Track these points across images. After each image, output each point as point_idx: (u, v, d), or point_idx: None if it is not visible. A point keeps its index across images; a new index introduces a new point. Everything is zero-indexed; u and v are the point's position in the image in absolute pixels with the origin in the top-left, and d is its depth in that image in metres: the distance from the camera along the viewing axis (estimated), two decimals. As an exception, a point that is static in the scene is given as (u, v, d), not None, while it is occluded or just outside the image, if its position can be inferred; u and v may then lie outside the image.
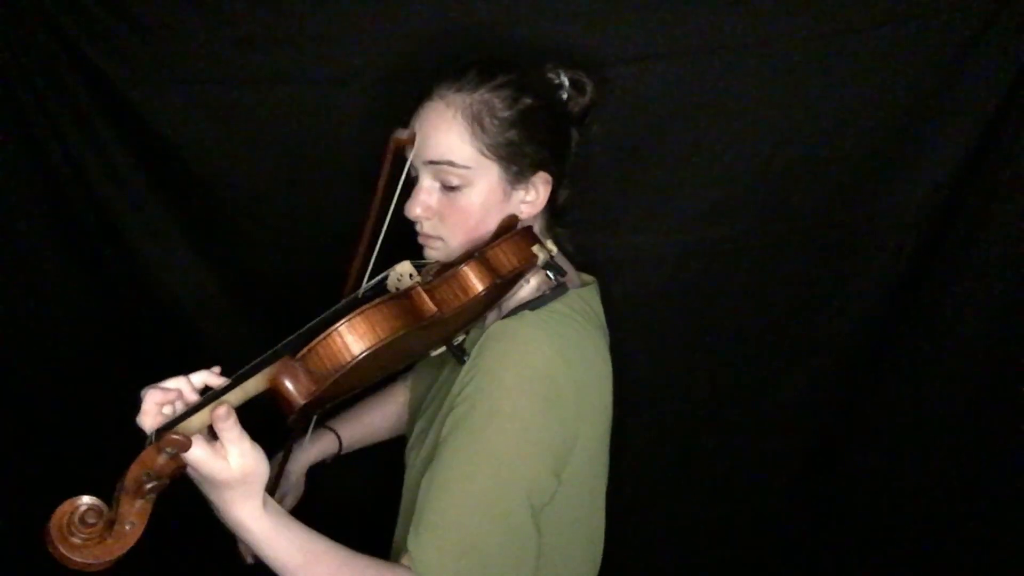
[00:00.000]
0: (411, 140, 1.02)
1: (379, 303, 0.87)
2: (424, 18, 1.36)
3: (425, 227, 1.06)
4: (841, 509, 1.65)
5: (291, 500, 1.29)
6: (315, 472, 1.35)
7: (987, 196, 1.37)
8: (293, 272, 1.57)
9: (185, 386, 0.88)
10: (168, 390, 0.86)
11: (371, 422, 1.39)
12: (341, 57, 1.39)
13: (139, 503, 0.77)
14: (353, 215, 1.50)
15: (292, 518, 0.88)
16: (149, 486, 0.77)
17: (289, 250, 1.56)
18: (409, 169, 1.06)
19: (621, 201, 1.47)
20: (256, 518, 0.84)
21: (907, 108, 1.37)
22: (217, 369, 0.91)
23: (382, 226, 1.03)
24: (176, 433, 0.78)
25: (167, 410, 0.86)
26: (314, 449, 1.33)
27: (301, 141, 1.46)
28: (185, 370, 1.59)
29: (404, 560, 0.91)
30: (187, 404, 0.87)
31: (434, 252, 1.08)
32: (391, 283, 1.05)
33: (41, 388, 1.54)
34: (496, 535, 0.92)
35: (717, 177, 1.45)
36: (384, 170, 1.00)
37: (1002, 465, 1.49)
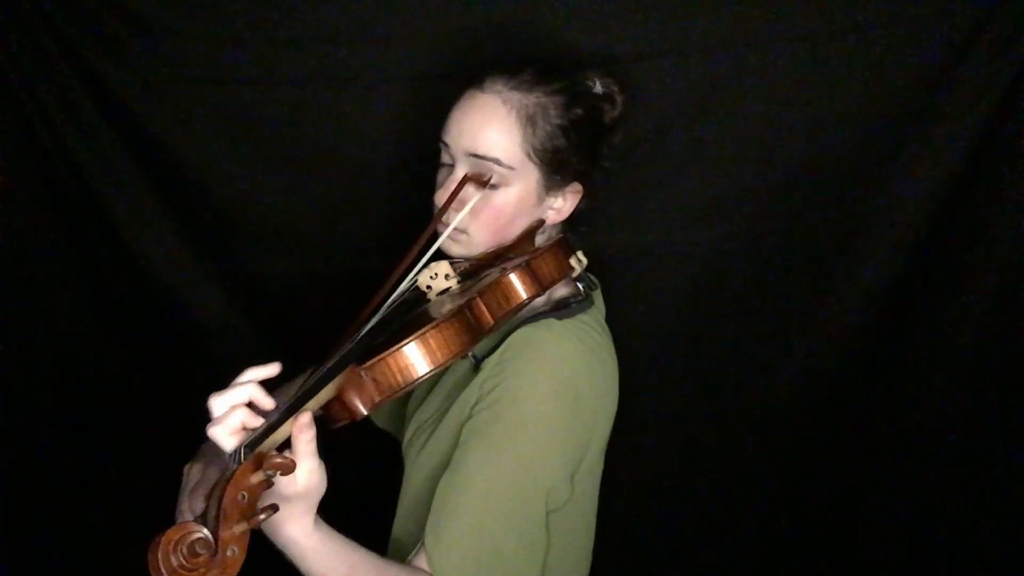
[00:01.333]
0: (485, 184, 1.01)
1: (451, 317, 0.86)
2: (425, 18, 1.36)
3: (452, 218, 1.05)
4: (841, 509, 1.66)
5: None
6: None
7: (987, 195, 1.38)
8: (293, 272, 1.56)
9: (255, 392, 0.85)
10: (245, 406, 0.84)
11: None
12: (342, 57, 1.38)
13: (241, 527, 0.73)
14: (353, 216, 1.52)
15: (338, 534, 0.87)
16: (262, 516, 0.73)
17: (289, 251, 1.55)
18: (443, 155, 1.06)
19: (621, 200, 1.47)
20: (308, 534, 0.83)
21: (906, 108, 1.37)
22: (275, 367, 0.88)
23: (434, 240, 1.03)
24: (279, 456, 0.76)
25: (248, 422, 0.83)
26: None
27: (302, 142, 1.45)
28: (185, 370, 1.60)
29: (420, 560, 0.92)
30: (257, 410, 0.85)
31: (455, 246, 1.07)
32: (422, 281, 1.05)
33: (41, 388, 1.54)
34: (515, 539, 0.93)
35: (717, 176, 1.45)
36: (452, 198, 1.01)
37: (1001, 463, 1.50)
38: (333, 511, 0.90)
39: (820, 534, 1.69)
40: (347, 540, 0.88)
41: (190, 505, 1.10)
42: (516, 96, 1.00)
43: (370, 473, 1.35)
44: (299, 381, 1.01)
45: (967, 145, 1.36)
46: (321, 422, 0.86)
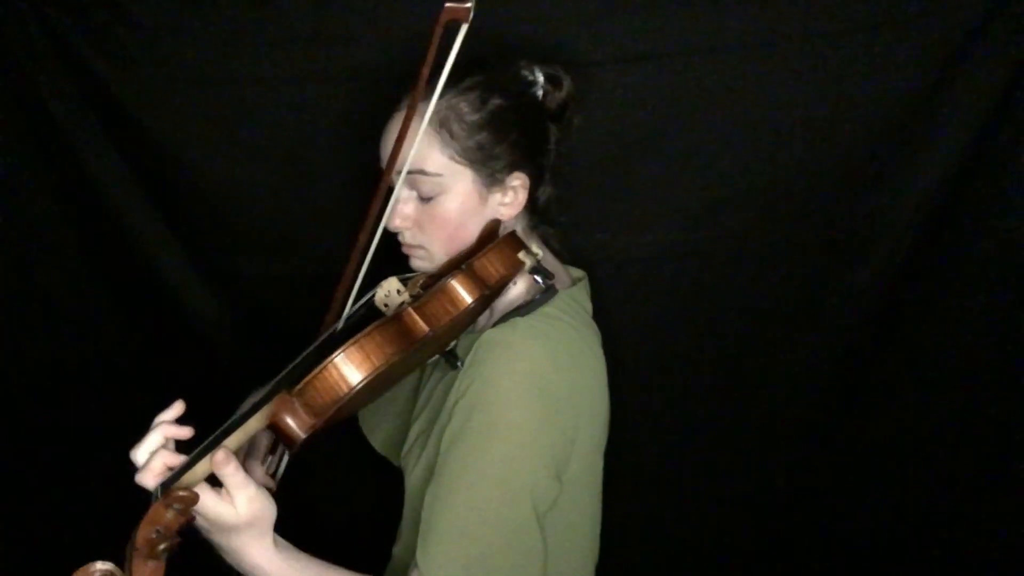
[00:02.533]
0: (467, 15, 0.93)
1: (372, 331, 0.86)
2: (425, 17, 1.36)
3: (406, 237, 1.06)
4: (840, 509, 1.66)
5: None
6: (313, 477, 1.34)
7: (985, 195, 1.37)
8: (291, 271, 1.57)
9: (170, 430, 0.89)
10: (163, 448, 0.87)
11: None
12: (334, 57, 1.39)
13: (152, 564, 0.75)
14: (347, 218, 1.51)
15: (300, 551, 0.88)
16: (162, 547, 0.76)
17: (288, 250, 1.56)
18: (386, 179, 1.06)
19: (619, 201, 1.47)
20: (269, 558, 0.84)
21: (905, 108, 1.37)
22: (179, 405, 0.91)
23: (374, 237, 1.02)
24: (182, 489, 0.78)
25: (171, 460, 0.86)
26: None
27: (301, 141, 1.46)
28: (184, 369, 1.60)
29: (413, 574, 0.92)
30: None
31: (419, 262, 1.08)
32: (379, 300, 1.05)
33: (42, 389, 1.54)
34: (504, 545, 0.93)
35: (715, 176, 1.44)
36: (432, 49, 0.94)
37: (1000, 463, 1.50)
38: (341, 526, 0.90)
39: (820, 533, 1.69)
40: (316, 560, 0.88)
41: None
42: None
43: (377, 487, 1.35)
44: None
45: (967, 145, 1.36)
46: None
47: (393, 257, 1.08)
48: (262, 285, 1.58)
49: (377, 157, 1.05)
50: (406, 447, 1.10)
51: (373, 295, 1.06)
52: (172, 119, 1.44)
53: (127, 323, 1.60)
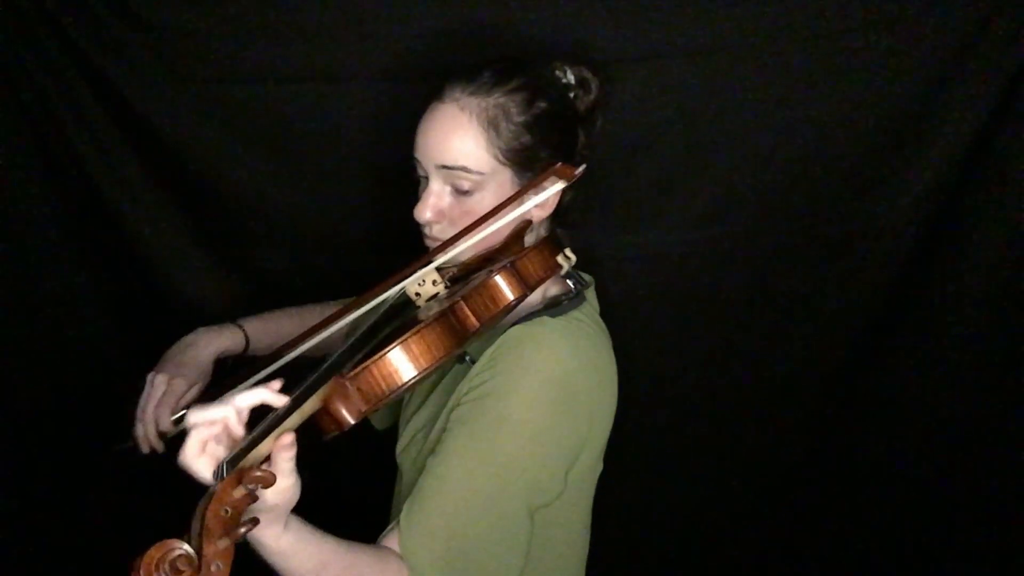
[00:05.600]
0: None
1: (432, 322, 0.86)
2: (425, 15, 1.36)
3: (434, 230, 1.05)
4: (838, 509, 1.66)
5: (197, 390, 1.19)
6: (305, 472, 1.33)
7: (985, 195, 1.38)
8: (295, 270, 1.57)
9: (269, 397, 0.84)
10: (216, 422, 0.82)
11: (284, 329, 1.30)
12: (342, 55, 1.39)
13: (224, 543, 0.73)
14: (354, 213, 1.52)
15: (305, 526, 0.87)
16: (242, 530, 0.74)
17: (291, 248, 1.56)
18: (417, 169, 1.06)
19: (620, 200, 1.48)
20: (276, 539, 0.84)
21: (906, 107, 1.37)
22: (277, 384, 0.86)
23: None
24: (260, 470, 0.76)
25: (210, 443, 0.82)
26: (223, 339, 1.24)
27: (302, 140, 1.46)
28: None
29: (392, 539, 0.93)
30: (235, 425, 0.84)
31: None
32: (411, 289, 1.05)
33: (43, 389, 1.54)
34: (487, 529, 0.93)
35: (716, 176, 1.45)
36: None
37: (998, 462, 1.51)
38: (329, 517, 0.90)
39: (818, 531, 1.70)
40: (318, 536, 0.87)
41: (156, 415, 1.12)
42: (475, 101, 0.99)
43: (366, 479, 1.35)
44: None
45: (967, 145, 1.37)
46: (314, 432, 0.87)
47: (405, 248, 1.08)
48: (273, 280, 1.58)
49: (399, 150, 1.06)
50: (403, 444, 1.10)
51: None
52: (174, 116, 1.44)
53: (133, 317, 1.60)
